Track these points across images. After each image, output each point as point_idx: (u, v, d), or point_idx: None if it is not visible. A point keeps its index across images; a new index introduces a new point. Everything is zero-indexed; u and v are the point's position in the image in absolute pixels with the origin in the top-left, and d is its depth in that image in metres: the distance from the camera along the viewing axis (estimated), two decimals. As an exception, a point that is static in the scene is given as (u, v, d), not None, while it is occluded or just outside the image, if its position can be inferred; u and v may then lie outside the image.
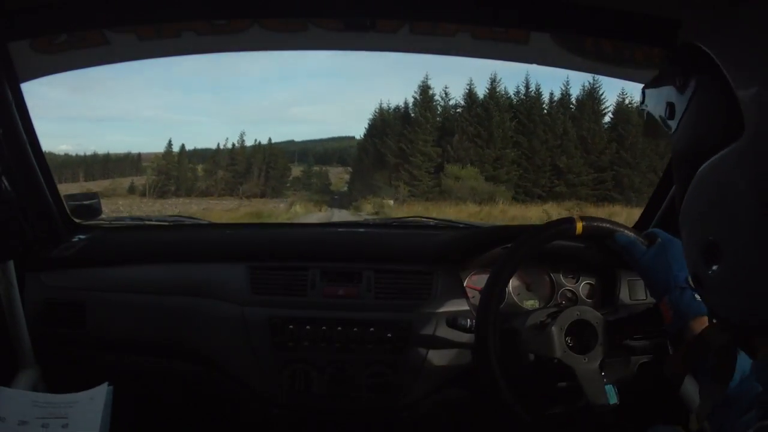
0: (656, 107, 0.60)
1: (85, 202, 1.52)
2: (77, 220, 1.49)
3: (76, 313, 1.35)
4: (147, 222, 1.68)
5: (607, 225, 1.06)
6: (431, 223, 1.67)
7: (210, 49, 1.43)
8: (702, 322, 0.87)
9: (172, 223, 1.66)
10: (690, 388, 1.26)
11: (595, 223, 1.05)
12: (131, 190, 25.07)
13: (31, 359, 1.30)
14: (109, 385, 1.10)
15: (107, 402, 1.08)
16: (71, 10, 1.06)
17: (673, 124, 0.56)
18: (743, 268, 0.48)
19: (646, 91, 0.63)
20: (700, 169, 0.51)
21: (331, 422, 1.32)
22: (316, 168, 27.39)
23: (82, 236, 1.46)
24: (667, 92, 0.57)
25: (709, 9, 0.51)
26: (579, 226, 1.04)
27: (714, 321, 0.58)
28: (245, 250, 1.41)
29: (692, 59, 0.52)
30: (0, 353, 1.26)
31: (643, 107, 0.64)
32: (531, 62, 1.42)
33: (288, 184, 26.94)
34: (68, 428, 1.04)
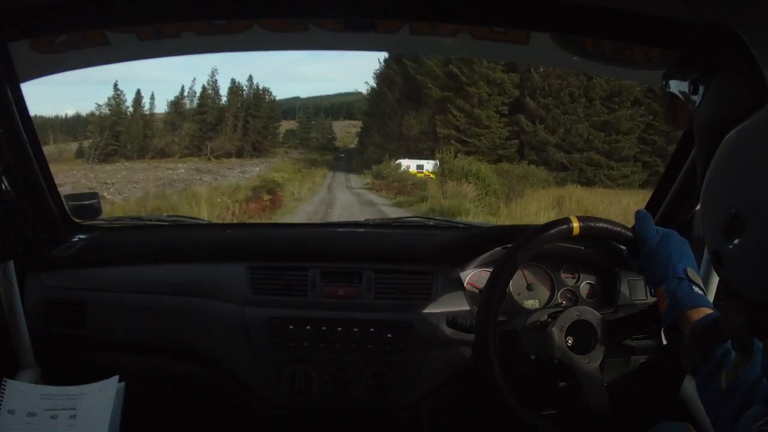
0: (680, 84, 0.60)
1: (85, 202, 1.53)
2: (77, 220, 1.49)
3: (77, 313, 1.35)
4: (147, 222, 1.68)
5: (604, 225, 1.06)
6: (431, 223, 1.67)
7: (210, 49, 1.43)
8: (697, 313, 0.88)
9: (171, 223, 1.66)
10: (690, 388, 1.26)
11: (592, 223, 1.05)
12: (80, 153, 19.67)
13: (31, 359, 1.30)
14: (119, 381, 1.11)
15: (118, 397, 1.09)
16: (71, 10, 1.06)
17: (696, 98, 0.56)
18: (766, 239, 0.47)
19: (671, 71, 0.63)
20: (723, 140, 0.50)
21: (332, 422, 1.32)
22: (315, 122, 20.94)
23: (82, 236, 1.46)
24: (693, 68, 0.57)
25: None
26: (576, 226, 1.04)
27: (730, 303, 0.58)
28: (245, 250, 1.41)
29: (718, 35, 0.52)
30: (0, 353, 1.26)
31: (668, 90, 0.64)
32: (531, 62, 1.43)
33: (280, 140, 20.35)
34: (76, 419, 1.05)
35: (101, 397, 1.08)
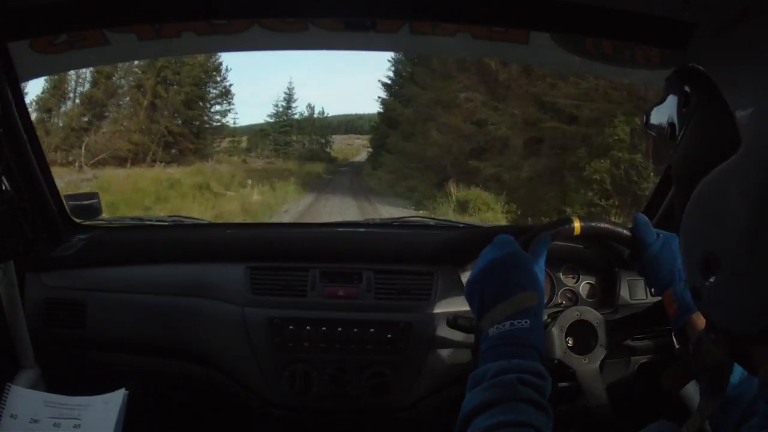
0: (659, 127, 0.62)
1: (85, 202, 1.53)
2: (77, 220, 1.49)
3: (77, 313, 1.35)
4: (147, 222, 1.68)
5: (605, 225, 1.06)
6: (431, 223, 1.67)
7: (210, 48, 1.43)
8: (702, 317, 0.88)
9: (171, 223, 1.66)
10: (690, 388, 1.26)
11: (593, 224, 1.06)
12: None
13: (31, 359, 1.30)
14: (125, 390, 1.11)
15: (122, 407, 1.08)
16: (71, 10, 1.06)
17: (674, 142, 0.58)
18: (741, 278, 0.49)
19: (650, 113, 0.65)
20: (700, 182, 0.53)
21: (332, 422, 1.32)
22: (299, 137, 14.19)
23: (82, 236, 1.46)
24: (669, 112, 0.59)
25: (711, 27, 0.54)
26: (577, 226, 1.04)
27: (711, 336, 0.59)
28: (245, 250, 1.41)
29: (692, 79, 0.55)
30: (0, 353, 1.26)
31: (648, 131, 0.66)
32: (531, 62, 1.43)
33: (243, 144, 12.93)
34: (80, 429, 1.05)
35: (107, 408, 1.08)
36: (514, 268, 0.84)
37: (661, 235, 1.01)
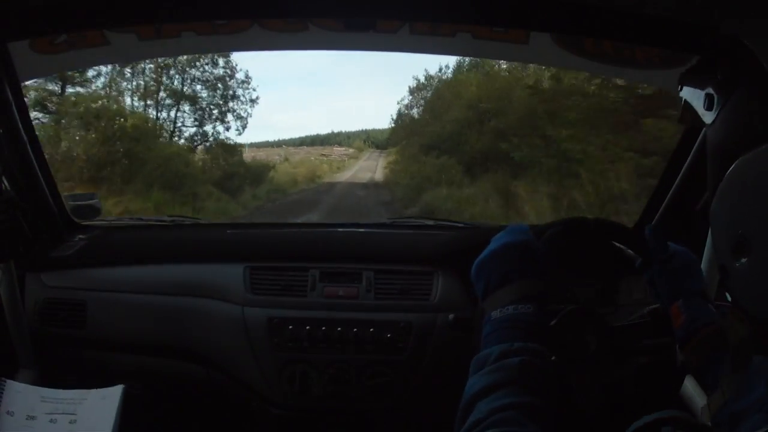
0: (694, 97, 0.60)
1: (85, 202, 1.53)
2: (77, 220, 1.49)
3: (77, 313, 1.35)
4: (147, 222, 1.68)
5: (620, 228, 1.06)
6: (431, 223, 1.67)
7: (210, 48, 1.43)
8: (710, 330, 0.88)
9: (171, 223, 1.66)
10: (690, 388, 1.26)
11: (608, 227, 1.05)
12: None
13: (31, 359, 1.30)
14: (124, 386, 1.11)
15: (120, 403, 1.08)
16: (71, 10, 1.06)
17: (711, 115, 0.56)
18: None
19: (686, 77, 0.62)
20: (736, 162, 0.51)
21: (331, 422, 1.32)
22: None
23: (82, 236, 1.46)
24: (708, 81, 0.57)
25: (755, 4, 0.51)
26: (592, 227, 1.04)
27: (735, 313, 0.58)
28: (245, 250, 1.41)
29: (736, 53, 0.52)
30: (0, 353, 1.26)
31: (681, 95, 0.64)
32: (531, 62, 1.43)
33: None
34: (76, 424, 1.05)
35: (104, 404, 1.07)
36: (523, 254, 0.84)
37: (674, 248, 1.00)
